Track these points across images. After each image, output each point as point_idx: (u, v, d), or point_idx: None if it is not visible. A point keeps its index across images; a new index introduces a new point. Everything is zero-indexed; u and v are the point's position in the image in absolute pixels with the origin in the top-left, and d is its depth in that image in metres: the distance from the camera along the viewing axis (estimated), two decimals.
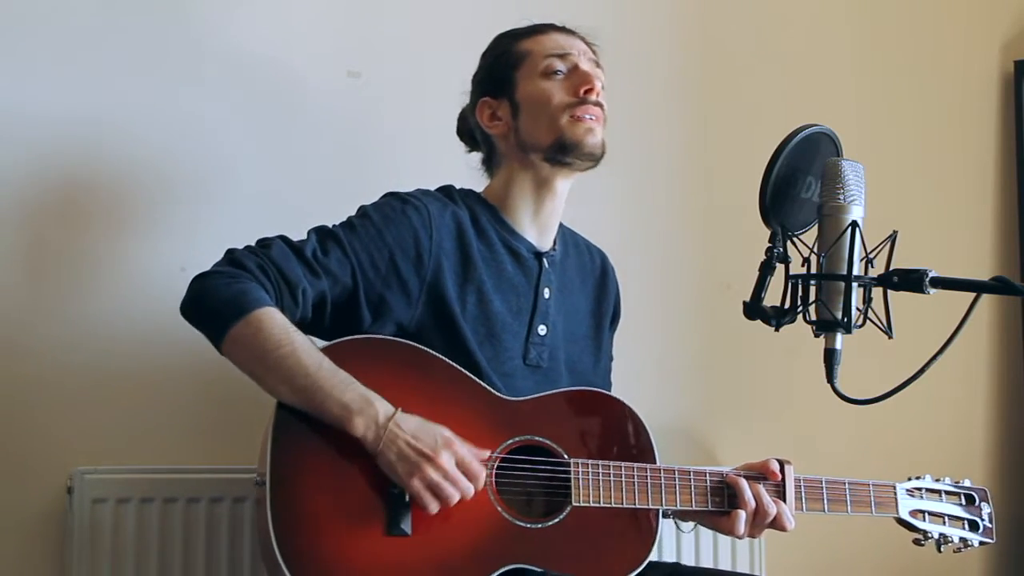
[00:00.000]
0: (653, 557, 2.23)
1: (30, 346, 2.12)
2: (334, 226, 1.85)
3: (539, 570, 1.74)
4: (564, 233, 2.04)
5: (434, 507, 1.68)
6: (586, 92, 1.90)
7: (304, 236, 1.84)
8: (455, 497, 1.68)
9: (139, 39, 2.22)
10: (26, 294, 2.13)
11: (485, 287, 1.88)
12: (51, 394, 2.12)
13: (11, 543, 2.09)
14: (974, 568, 2.89)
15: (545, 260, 1.96)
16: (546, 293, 1.95)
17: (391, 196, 1.91)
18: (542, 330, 1.94)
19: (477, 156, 2.06)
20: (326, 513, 1.68)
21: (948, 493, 2.00)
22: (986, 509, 2.01)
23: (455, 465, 1.68)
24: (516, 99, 1.93)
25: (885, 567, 2.67)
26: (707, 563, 2.44)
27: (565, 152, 1.89)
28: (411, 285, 1.83)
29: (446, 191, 1.97)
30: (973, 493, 2.01)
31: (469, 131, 2.04)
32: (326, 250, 1.80)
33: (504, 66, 1.95)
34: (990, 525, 2.00)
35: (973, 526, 1.99)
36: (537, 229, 1.97)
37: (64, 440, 2.12)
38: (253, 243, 1.82)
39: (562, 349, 1.97)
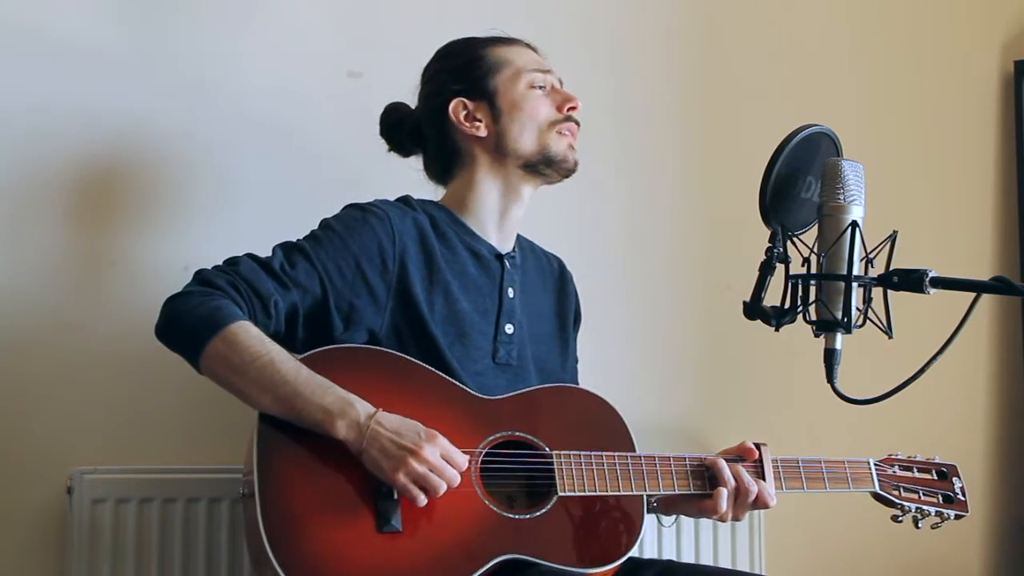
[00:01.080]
0: (652, 554, 2.24)
1: (30, 346, 2.12)
2: (298, 240, 1.88)
3: (532, 560, 1.75)
4: (520, 239, 2.07)
5: (422, 499, 1.69)
6: (570, 109, 1.97)
7: (298, 240, 1.86)
8: (442, 487, 1.69)
9: (139, 39, 2.22)
10: (26, 294, 2.13)
11: (451, 288, 1.91)
12: (51, 394, 2.13)
13: (11, 543, 2.10)
14: (974, 568, 2.89)
15: (507, 261, 1.99)
16: (510, 293, 1.98)
17: (351, 207, 1.93)
18: (509, 329, 1.96)
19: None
20: (317, 515, 1.68)
21: (920, 468, 2.06)
22: (958, 483, 2.06)
23: (439, 456, 1.70)
24: (498, 104, 1.96)
25: (886, 567, 2.66)
26: (707, 561, 2.43)
27: (548, 164, 1.96)
28: (378, 290, 1.86)
29: (404, 200, 1.99)
30: (944, 468, 2.07)
31: (412, 129, 2.04)
32: (293, 263, 1.82)
33: (481, 69, 1.98)
34: (963, 498, 2.05)
35: (947, 500, 2.04)
36: (500, 233, 2.00)
37: (64, 440, 2.13)
38: (250, 249, 1.84)
39: (529, 348, 2.00)
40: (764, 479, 1.91)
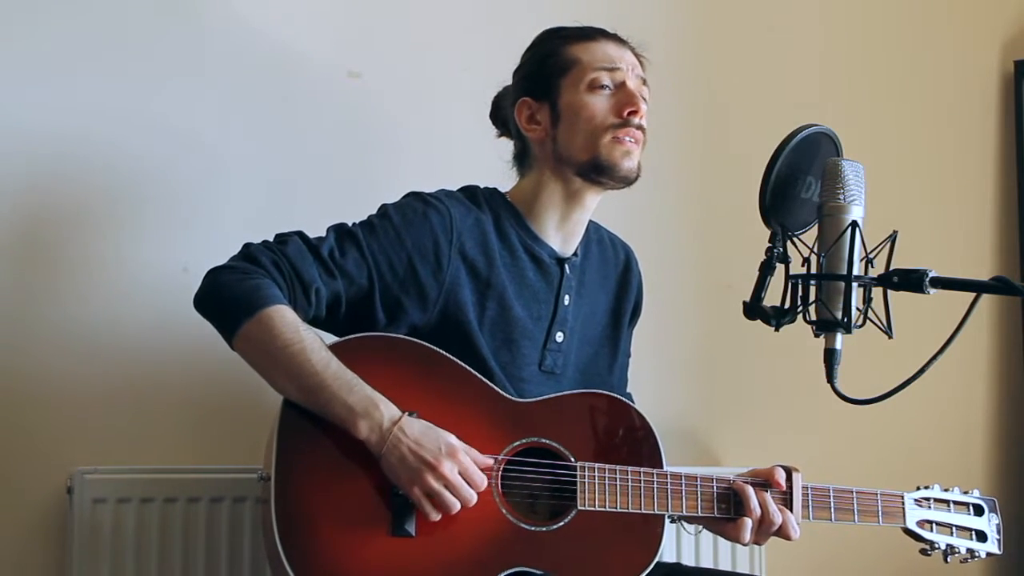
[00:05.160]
0: None
1: (31, 346, 2.12)
2: (353, 224, 1.84)
3: (543, 573, 1.74)
4: (589, 229, 2.01)
5: (434, 515, 1.68)
6: (630, 114, 1.87)
7: (321, 233, 1.83)
8: (456, 506, 1.68)
9: (139, 38, 2.22)
10: (27, 295, 2.13)
11: (507, 293, 1.88)
12: (51, 394, 2.12)
13: (11, 543, 2.09)
14: (975, 567, 2.89)
15: (567, 266, 1.95)
16: (566, 300, 1.94)
17: (413, 197, 1.89)
18: (559, 337, 1.93)
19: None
20: (330, 512, 1.68)
21: (957, 503, 1.99)
22: (994, 520, 2.00)
23: (457, 474, 1.68)
24: (558, 107, 1.89)
25: (886, 568, 2.66)
26: (707, 563, 2.44)
27: (599, 172, 1.87)
28: (429, 290, 1.82)
29: (470, 193, 1.94)
30: (982, 503, 2.00)
31: (504, 119, 2.01)
32: (343, 250, 1.79)
33: (550, 68, 1.91)
34: (998, 536, 1.99)
35: (980, 536, 1.98)
36: (562, 236, 1.95)
37: (64, 440, 2.12)
38: (270, 238, 1.81)
39: (574, 353, 1.97)
40: (791, 508, 1.85)
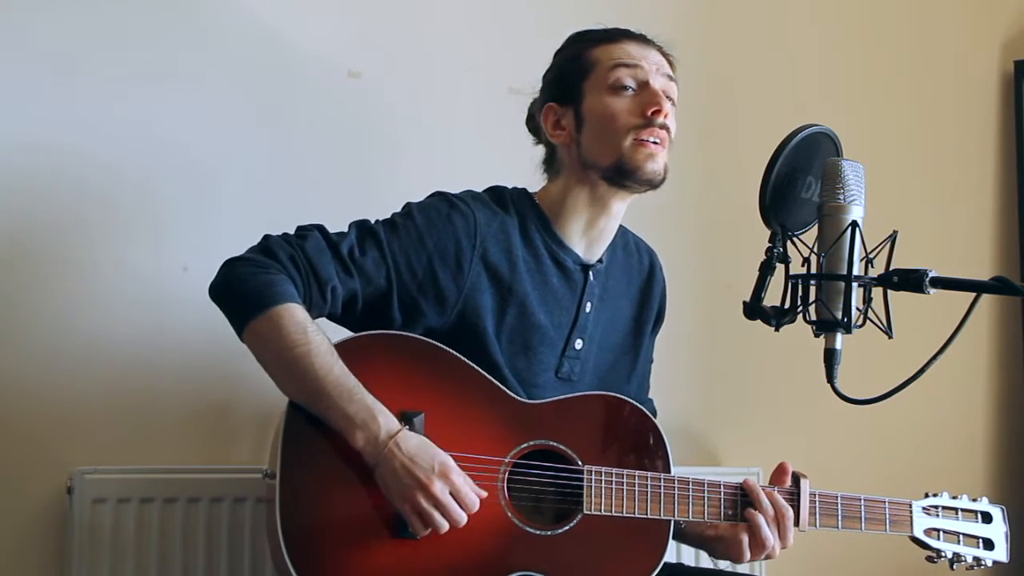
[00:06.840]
0: None
1: (31, 347, 2.12)
2: (376, 222, 1.82)
3: None
4: (615, 233, 1.98)
5: (422, 533, 1.67)
6: (653, 113, 1.83)
7: (343, 228, 1.82)
8: (444, 527, 1.66)
9: (138, 38, 2.22)
10: (27, 295, 2.13)
11: (529, 299, 1.86)
12: (51, 394, 2.12)
13: (11, 543, 2.09)
14: (980, 574, 2.89)
15: (591, 273, 1.93)
16: (587, 307, 1.93)
17: (439, 197, 1.87)
18: (578, 344, 1.92)
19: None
20: (334, 512, 1.68)
21: (965, 511, 1.98)
22: (1003, 528, 1.99)
23: (448, 494, 1.66)
24: (581, 111, 1.87)
25: (887, 572, 2.66)
26: (707, 564, 2.43)
27: (623, 176, 1.84)
28: (448, 294, 1.81)
29: (497, 194, 1.92)
30: (991, 511, 1.99)
31: (536, 126, 1.99)
32: (364, 249, 1.77)
33: (573, 73, 1.89)
34: (1006, 544, 1.98)
35: (988, 545, 1.97)
36: (587, 242, 1.93)
37: (64, 440, 2.12)
38: (292, 231, 1.79)
39: (592, 360, 1.95)
40: (797, 513, 1.85)
